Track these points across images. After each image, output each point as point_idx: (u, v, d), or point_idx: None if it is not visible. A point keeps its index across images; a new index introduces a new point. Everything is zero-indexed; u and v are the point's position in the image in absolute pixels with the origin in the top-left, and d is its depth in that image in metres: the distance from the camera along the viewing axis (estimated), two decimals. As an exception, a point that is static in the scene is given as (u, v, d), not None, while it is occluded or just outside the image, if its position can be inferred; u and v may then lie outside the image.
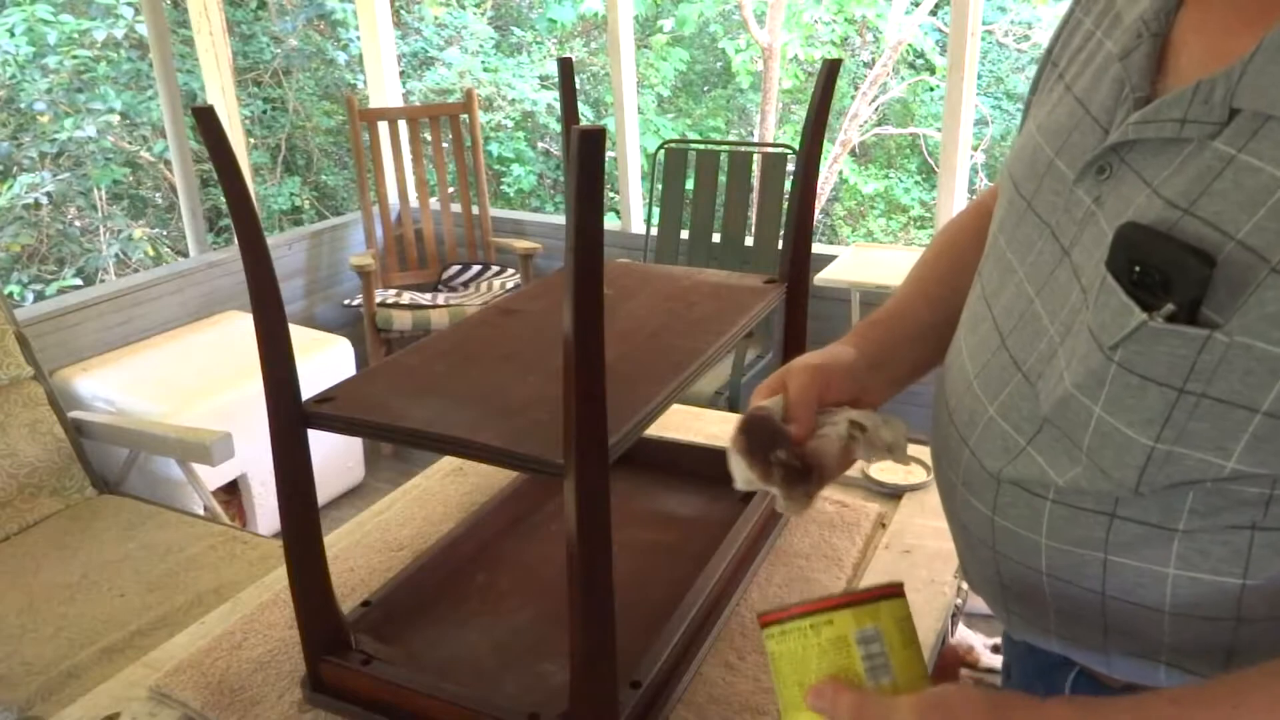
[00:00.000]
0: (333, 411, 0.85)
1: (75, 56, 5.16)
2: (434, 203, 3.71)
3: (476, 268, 3.58)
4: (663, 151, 3.17)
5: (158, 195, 6.11)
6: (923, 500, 1.27)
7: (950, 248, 0.90)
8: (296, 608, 0.93)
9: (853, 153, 7.22)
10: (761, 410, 0.78)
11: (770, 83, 6.26)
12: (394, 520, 1.28)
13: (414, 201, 3.64)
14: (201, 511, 2.25)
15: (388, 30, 3.75)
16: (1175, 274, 0.52)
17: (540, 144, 7.19)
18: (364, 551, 1.21)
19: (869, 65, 6.97)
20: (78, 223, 5.67)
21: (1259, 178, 0.51)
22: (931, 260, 0.91)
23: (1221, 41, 0.57)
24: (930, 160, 7.15)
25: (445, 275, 3.58)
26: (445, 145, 3.68)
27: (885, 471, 1.31)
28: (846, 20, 6.56)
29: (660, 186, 3.21)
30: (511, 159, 6.94)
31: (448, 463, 1.41)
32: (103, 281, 5.32)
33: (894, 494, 1.29)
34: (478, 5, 7.16)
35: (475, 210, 3.58)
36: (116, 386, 2.59)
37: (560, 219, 3.67)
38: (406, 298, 3.36)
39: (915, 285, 0.90)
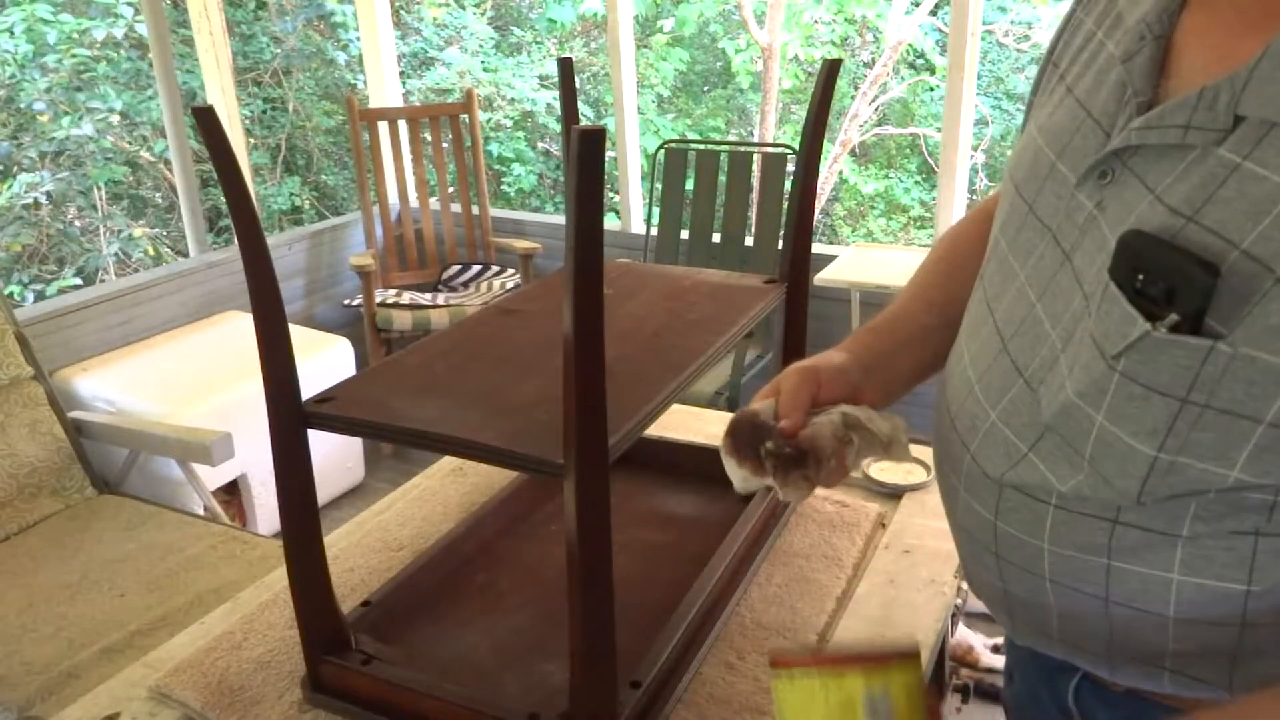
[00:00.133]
0: (333, 411, 0.85)
1: (75, 56, 5.16)
2: (434, 203, 3.71)
3: (476, 268, 3.58)
4: (663, 151, 3.17)
5: (158, 195, 6.11)
6: (923, 500, 1.27)
7: (951, 252, 0.89)
8: (296, 608, 0.93)
9: (853, 153, 7.22)
10: (746, 411, 0.78)
11: (770, 83, 6.26)
12: (394, 520, 1.28)
13: (414, 201, 3.64)
14: (201, 511, 2.25)
15: (388, 30, 3.75)
16: (1180, 284, 0.52)
17: (540, 144, 7.19)
18: (364, 551, 1.21)
19: (869, 65, 6.97)
20: (78, 223, 5.67)
21: (1264, 186, 0.51)
22: (932, 265, 0.91)
23: (1226, 45, 0.57)
24: (930, 160, 7.15)
25: (445, 275, 3.58)
26: (445, 145, 3.68)
27: (885, 471, 1.31)
28: (846, 20, 6.56)
29: (660, 186, 3.21)
30: (511, 159, 6.94)
31: (448, 463, 1.41)
32: (103, 281, 5.32)
33: (894, 494, 1.29)
34: (477, 5, 7.16)
35: (475, 210, 3.58)
36: (116, 386, 2.59)
37: (560, 219, 3.67)
38: (406, 298, 3.36)
39: (915, 289, 0.90)
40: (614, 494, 0.74)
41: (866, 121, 6.88)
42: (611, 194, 4.83)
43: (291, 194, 6.39)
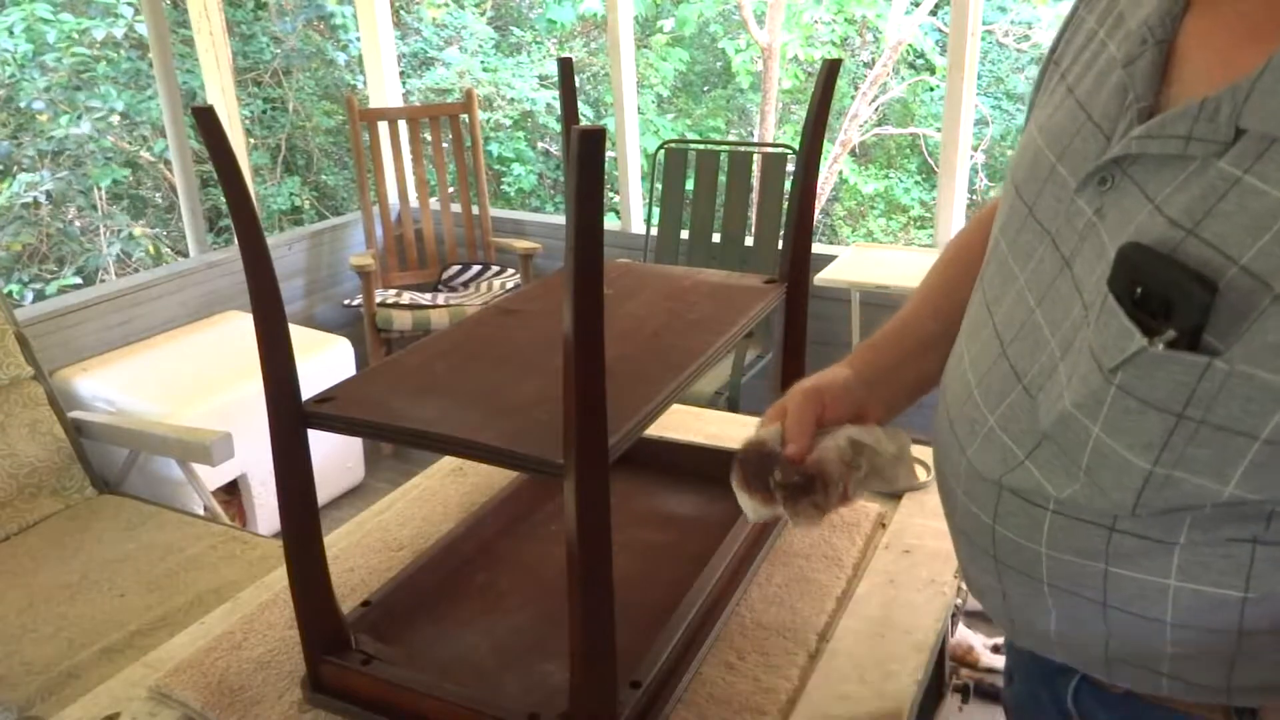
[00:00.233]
0: (333, 411, 0.85)
1: (74, 55, 5.16)
2: (434, 203, 3.71)
3: (476, 268, 3.58)
4: (663, 151, 3.17)
5: (158, 195, 6.10)
6: (923, 500, 1.27)
7: (958, 258, 0.89)
8: (296, 608, 0.93)
9: (853, 153, 7.22)
10: (753, 440, 0.79)
11: (770, 83, 6.26)
12: (394, 520, 1.28)
13: (414, 201, 3.64)
14: (201, 511, 2.25)
15: (388, 30, 3.75)
16: (1177, 299, 0.52)
17: (540, 144, 7.19)
18: (364, 551, 1.21)
19: (869, 65, 6.97)
20: (78, 222, 5.67)
21: (1264, 201, 0.50)
22: (939, 270, 0.91)
23: (1228, 53, 0.56)
24: (930, 160, 7.15)
25: (445, 275, 3.57)
26: (445, 145, 3.68)
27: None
28: (846, 20, 6.56)
29: (660, 186, 3.21)
30: (511, 159, 6.94)
31: (448, 463, 1.41)
32: (103, 281, 5.32)
33: (894, 494, 1.29)
34: (477, 5, 7.16)
35: (475, 210, 3.58)
36: (116, 386, 2.59)
37: (560, 219, 3.67)
38: (406, 298, 3.36)
39: (922, 296, 0.90)
40: (614, 494, 0.74)
41: (866, 121, 6.88)
42: (611, 194, 4.83)
43: (291, 194, 6.39)
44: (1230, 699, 0.61)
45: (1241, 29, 0.56)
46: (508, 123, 6.86)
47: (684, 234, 3.14)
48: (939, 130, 3.28)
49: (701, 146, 3.11)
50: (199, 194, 3.31)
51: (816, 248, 2.72)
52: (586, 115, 7.18)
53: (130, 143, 5.74)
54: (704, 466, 1.28)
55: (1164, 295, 0.52)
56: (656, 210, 3.16)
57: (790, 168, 2.91)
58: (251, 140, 6.10)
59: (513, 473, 1.26)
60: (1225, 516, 0.55)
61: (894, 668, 0.97)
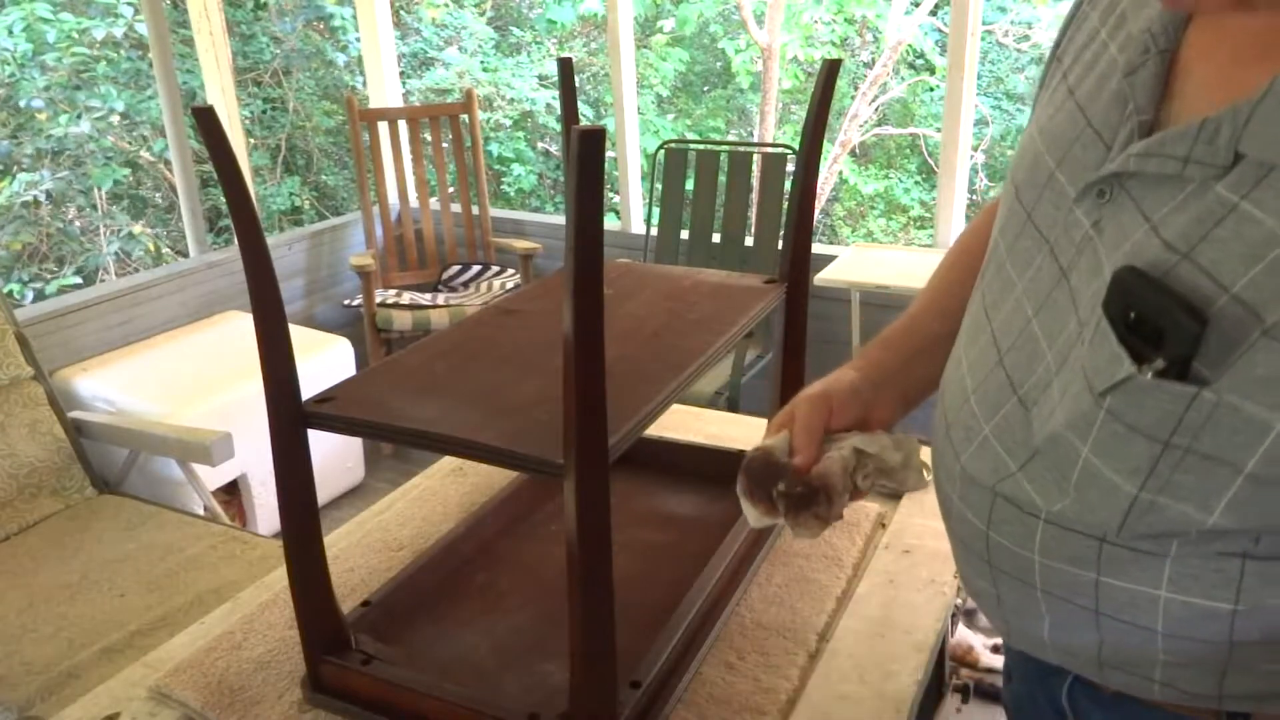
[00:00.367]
0: (333, 411, 0.85)
1: (74, 55, 5.16)
2: (434, 203, 3.71)
3: (476, 268, 3.58)
4: (662, 152, 3.17)
5: (158, 195, 6.11)
6: (923, 500, 1.27)
7: (961, 259, 0.89)
8: (296, 608, 0.93)
9: (853, 153, 7.22)
10: (760, 449, 0.79)
11: (770, 83, 6.26)
12: (394, 520, 1.28)
13: (414, 201, 3.64)
14: (201, 511, 2.25)
15: (387, 31, 3.75)
16: (1168, 329, 0.52)
17: (540, 144, 7.19)
18: (364, 551, 1.21)
19: (869, 65, 6.97)
20: (77, 222, 5.67)
21: (1260, 230, 0.50)
22: (945, 270, 0.91)
23: (1231, 69, 0.56)
24: (930, 160, 7.15)
25: (445, 275, 3.57)
26: (445, 145, 3.68)
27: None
28: (846, 20, 6.56)
29: (660, 186, 3.21)
30: (511, 159, 6.94)
31: (448, 463, 1.41)
32: (103, 281, 5.32)
33: (894, 494, 1.28)
34: (477, 5, 7.16)
35: (475, 210, 3.58)
36: (116, 386, 2.59)
37: (560, 219, 3.67)
38: (406, 298, 3.36)
39: (928, 296, 0.90)
40: (614, 494, 0.74)
41: (866, 121, 6.88)
42: (611, 194, 4.83)
43: (291, 194, 6.39)
44: (1222, 704, 0.61)
45: (1245, 44, 0.56)
46: (508, 123, 6.86)
47: (684, 234, 3.14)
48: (939, 130, 3.28)
49: (701, 146, 3.11)
50: (199, 194, 3.31)
51: (816, 248, 2.72)
52: (586, 115, 7.18)
53: (130, 143, 5.74)
54: (704, 466, 1.28)
55: (1156, 323, 0.52)
56: (656, 210, 3.16)
57: (790, 168, 2.91)
58: (251, 140, 6.10)
59: (513, 473, 1.26)
60: (1212, 538, 0.55)
61: (894, 668, 0.97)
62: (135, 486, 2.30)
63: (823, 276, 2.74)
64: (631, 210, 3.43)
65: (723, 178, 3.06)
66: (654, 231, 3.17)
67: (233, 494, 2.64)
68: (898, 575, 1.12)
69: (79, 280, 5.35)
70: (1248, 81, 0.53)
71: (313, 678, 0.94)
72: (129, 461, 2.28)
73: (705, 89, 7.75)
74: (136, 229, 5.68)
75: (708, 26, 7.02)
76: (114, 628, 1.71)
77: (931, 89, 7.23)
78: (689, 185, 3.11)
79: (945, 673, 1.47)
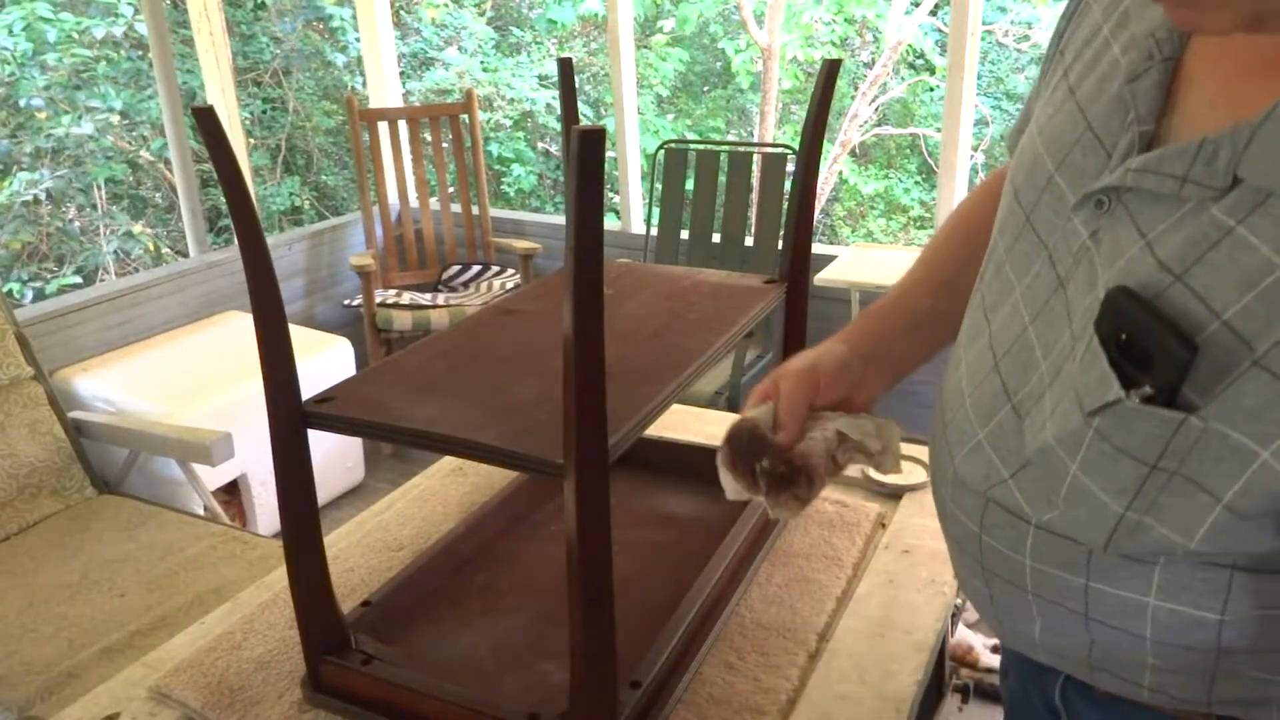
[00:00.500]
0: (333, 411, 0.85)
1: (74, 54, 5.16)
2: (434, 203, 3.71)
3: (476, 268, 3.58)
4: (662, 152, 3.17)
5: (158, 195, 6.11)
6: (923, 500, 1.27)
7: (962, 224, 0.88)
8: (296, 608, 0.93)
9: (853, 153, 7.22)
10: (746, 421, 0.78)
11: (770, 83, 6.27)
12: (394, 520, 1.28)
13: (414, 201, 3.64)
14: (201, 511, 2.25)
15: (388, 31, 3.75)
16: (1157, 354, 0.52)
17: (540, 144, 7.19)
18: (364, 551, 1.21)
19: (869, 65, 6.97)
20: (77, 222, 5.67)
21: (1254, 256, 0.50)
22: (940, 242, 0.90)
23: (1234, 85, 0.55)
24: (930, 160, 7.15)
25: (445, 275, 3.57)
26: (445, 145, 3.68)
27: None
28: (846, 21, 6.56)
29: (660, 186, 3.21)
30: (511, 159, 6.94)
31: (448, 463, 1.41)
32: (103, 280, 5.32)
33: (894, 494, 1.29)
34: (477, 5, 7.16)
35: (475, 210, 3.58)
36: (116, 386, 2.59)
37: (560, 219, 3.67)
38: (406, 298, 3.36)
39: (920, 269, 0.89)
40: (614, 494, 0.74)
41: (866, 122, 6.88)
42: (611, 194, 4.83)
43: (291, 194, 6.39)
44: (1211, 709, 0.62)
45: (1250, 59, 0.55)
46: (508, 123, 6.86)
47: (684, 234, 3.14)
48: (939, 130, 3.28)
49: (701, 147, 3.11)
50: (199, 194, 3.31)
51: (816, 248, 2.72)
52: (586, 115, 7.18)
53: (130, 142, 5.74)
54: (704, 467, 1.27)
55: (1146, 347, 0.52)
56: (656, 210, 3.16)
57: (790, 168, 2.91)
58: (251, 140, 6.10)
59: (513, 473, 1.26)
60: (1198, 554, 0.55)
61: (894, 668, 0.97)
62: (135, 486, 2.30)
63: (823, 276, 2.74)
64: (631, 210, 3.43)
65: (723, 178, 3.06)
66: (654, 231, 3.17)
67: (233, 494, 2.64)
68: (898, 575, 1.12)
69: (79, 280, 5.35)
70: (1251, 97, 0.52)
71: (313, 678, 0.94)
72: (129, 461, 2.28)
73: (705, 89, 7.76)
74: (136, 229, 5.68)
75: (708, 26, 7.02)
76: (114, 628, 1.71)
77: (931, 89, 7.24)
78: (689, 185, 3.11)
79: (945, 673, 1.47)
